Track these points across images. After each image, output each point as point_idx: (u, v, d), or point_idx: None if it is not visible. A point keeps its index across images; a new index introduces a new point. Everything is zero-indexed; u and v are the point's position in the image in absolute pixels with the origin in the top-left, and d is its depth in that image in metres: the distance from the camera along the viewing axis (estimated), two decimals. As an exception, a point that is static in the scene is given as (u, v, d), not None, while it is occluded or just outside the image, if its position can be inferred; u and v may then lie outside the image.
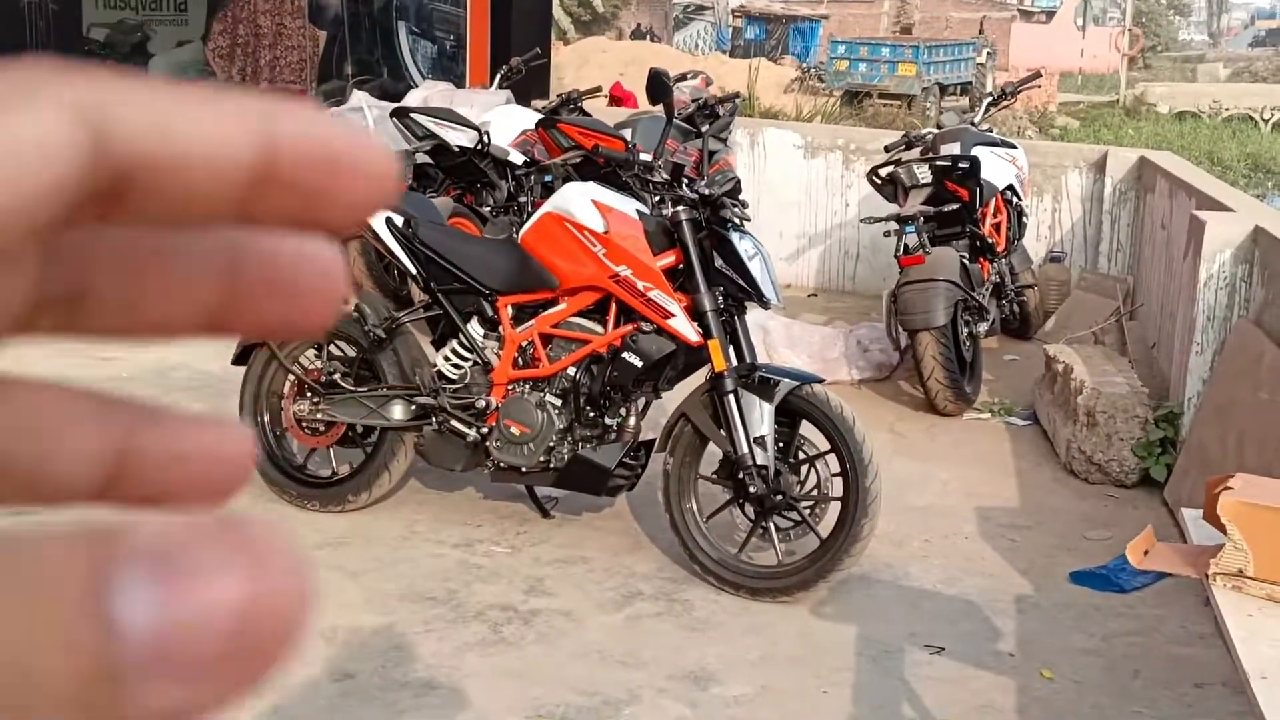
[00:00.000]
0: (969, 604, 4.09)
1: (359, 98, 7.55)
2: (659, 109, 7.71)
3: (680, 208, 4.11)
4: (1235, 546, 2.17)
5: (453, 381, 4.42)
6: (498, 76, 8.30)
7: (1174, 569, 2.28)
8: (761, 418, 4.00)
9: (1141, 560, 2.25)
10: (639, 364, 4.13)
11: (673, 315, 4.07)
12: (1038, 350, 6.96)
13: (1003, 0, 59.67)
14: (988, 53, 32.56)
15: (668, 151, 6.89)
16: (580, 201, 4.22)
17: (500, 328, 4.36)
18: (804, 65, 35.42)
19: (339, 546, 4.32)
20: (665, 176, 4.11)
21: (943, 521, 4.74)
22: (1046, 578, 4.28)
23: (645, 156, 4.11)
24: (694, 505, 4.16)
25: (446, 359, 4.45)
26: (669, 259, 4.13)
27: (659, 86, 4.02)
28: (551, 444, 4.24)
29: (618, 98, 13.27)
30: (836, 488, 4.05)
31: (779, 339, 6.32)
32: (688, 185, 4.14)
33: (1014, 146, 6.79)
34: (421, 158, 7.01)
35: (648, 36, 44.29)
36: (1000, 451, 5.54)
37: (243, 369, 4.72)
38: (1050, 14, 55.93)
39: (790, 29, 40.91)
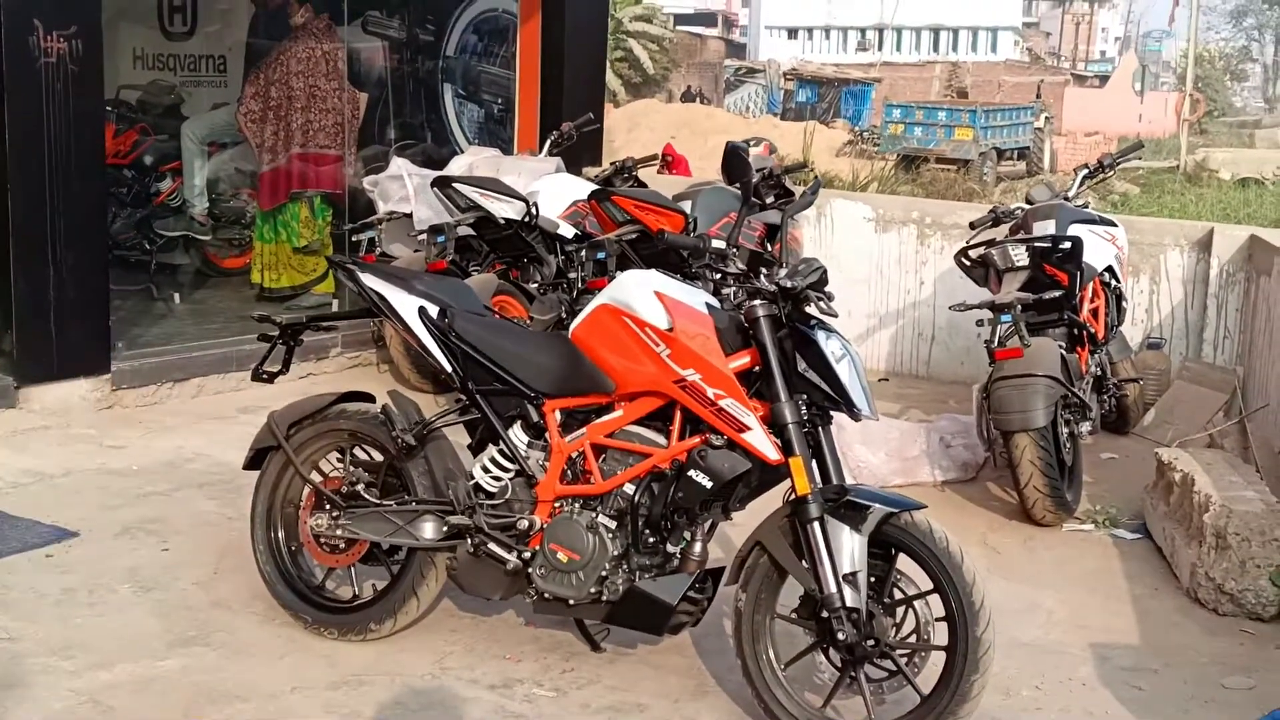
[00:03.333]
0: (1097, 775, 3.44)
1: (399, 165, 7.06)
2: (720, 180, 7.21)
3: (757, 301, 3.53)
4: None
5: (491, 496, 3.85)
6: (547, 142, 7.82)
7: None
8: (852, 551, 3.39)
9: None
10: (709, 484, 3.52)
11: (749, 429, 3.47)
12: (1138, 447, 6.34)
13: (1055, 65, 59.32)
14: (1045, 117, 32.00)
15: (729, 226, 6.34)
16: (641, 293, 3.65)
17: (547, 435, 3.78)
18: (856, 128, 34.98)
19: (359, 686, 3.73)
20: (741, 266, 3.53)
21: (1054, 662, 4.09)
22: (1186, 740, 3.64)
23: (718, 243, 3.53)
24: (770, 651, 3.54)
25: (485, 469, 3.87)
26: (743, 360, 3.55)
27: (737, 164, 3.46)
28: (604, 573, 3.64)
29: (669, 161, 12.87)
30: (939, 634, 3.43)
31: (854, 435, 5.71)
32: (765, 275, 3.56)
33: (1114, 224, 6.17)
34: (464, 230, 6.50)
35: (698, 99, 44.07)
36: (1110, 572, 4.88)
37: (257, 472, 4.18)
38: (1104, 78, 55.36)
39: (842, 92, 40.51)
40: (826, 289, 3.60)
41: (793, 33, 68.81)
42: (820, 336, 3.52)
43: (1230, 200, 25.48)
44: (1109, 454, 6.29)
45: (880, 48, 63.18)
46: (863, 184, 19.29)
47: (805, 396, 3.52)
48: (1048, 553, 5.07)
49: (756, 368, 3.55)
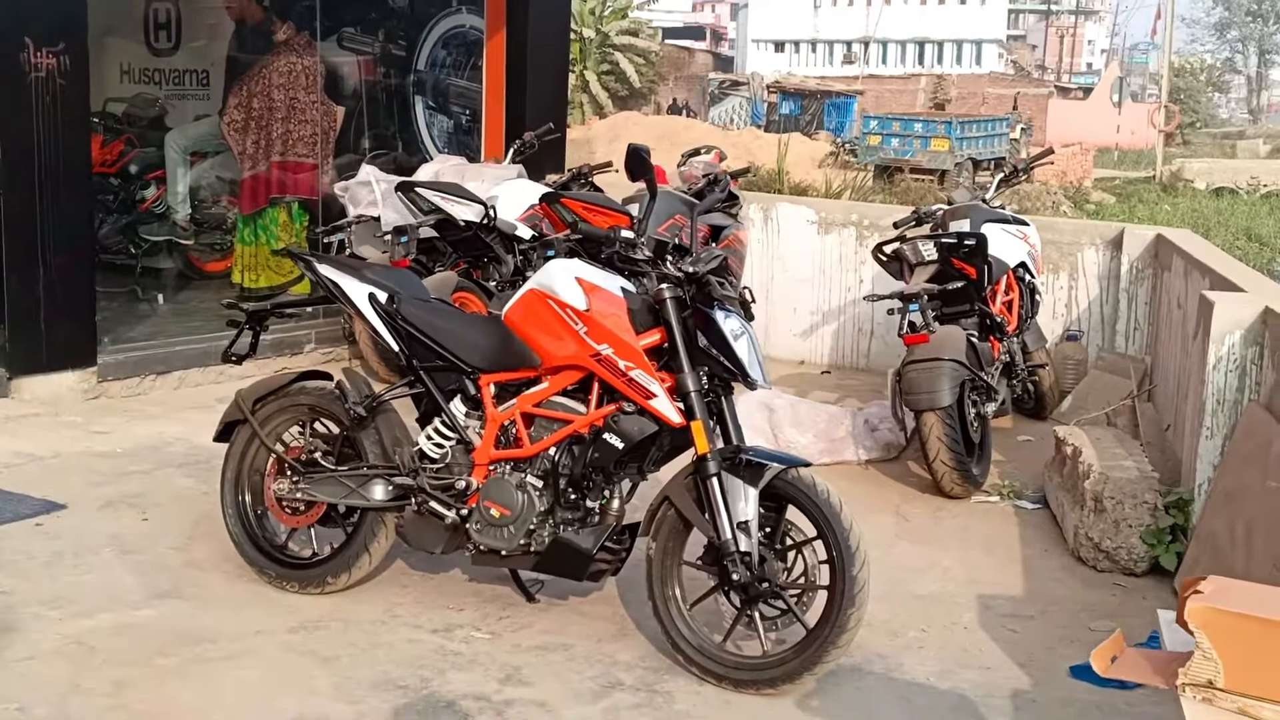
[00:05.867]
0: (962, 699, 3.91)
1: (367, 172, 7.53)
2: (671, 186, 7.70)
3: (664, 285, 4.01)
4: (1205, 655, 2.02)
5: (434, 461, 4.32)
6: (510, 151, 8.30)
7: (1142, 678, 2.13)
8: (746, 502, 3.87)
9: (1107, 668, 2.10)
10: (620, 445, 4.00)
11: (654, 396, 3.95)
12: (1052, 431, 6.80)
13: (1040, 77, 59.92)
14: (1021, 128, 32.58)
15: (676, 228, 6.83)
16: (563, 278, 4.13)
17: (483, 406, 4.26)
18: (838, 140, 35.54)
19: (314, 630, 4.19)
20: (648, 254, 4.01)
21: (942, 610, 4.57)
22: (1046, 672, 4.10)
23: (627, 233, 4.00)
24: (677, 592, 4.02)
25: (429, 438, 4.34)
26: (653, 338, 4.03)
27: (638, 163, 3.93)
28: (532, 526, 4.12)
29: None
30: (824, 576, 3.90)
31: (784, 418, 6.19)
32: (672, 262, 4.04)
33: (1025, 223, 6.67)
34: (427, 232, 6.97)
35: (684, 112, 44.61)
36: (1007, 536, 5.36)
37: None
38: (1087, 90, 56.05)
39: (825, 104, 41.10)
40: (728, 276, 4.09)
41: (779, 46, 69.52)
42: (719, 316, 3.98)
43: (1203, 209, 25.99)
44: (1025, 436, 6.78)
45: (866, 61, 63.86)
46: (836, 193, 19.76)
47: (706, 368, 3.99)
48: (953, 521, 5.54)
49: (665, 344, 4.03)
